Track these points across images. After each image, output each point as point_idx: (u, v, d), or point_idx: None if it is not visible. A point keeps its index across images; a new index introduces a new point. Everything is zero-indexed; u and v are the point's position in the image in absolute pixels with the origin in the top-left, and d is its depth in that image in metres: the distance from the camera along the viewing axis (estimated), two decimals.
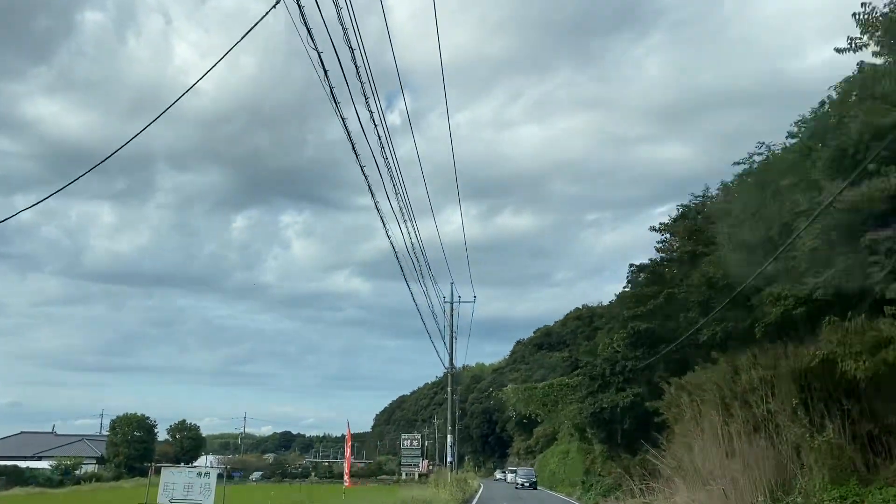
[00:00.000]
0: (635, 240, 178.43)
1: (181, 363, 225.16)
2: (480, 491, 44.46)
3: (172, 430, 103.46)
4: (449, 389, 36.05)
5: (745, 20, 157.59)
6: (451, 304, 36.88)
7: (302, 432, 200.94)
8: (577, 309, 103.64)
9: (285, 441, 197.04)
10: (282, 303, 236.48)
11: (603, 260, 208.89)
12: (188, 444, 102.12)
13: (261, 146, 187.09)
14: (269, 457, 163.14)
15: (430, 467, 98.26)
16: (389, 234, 17.74)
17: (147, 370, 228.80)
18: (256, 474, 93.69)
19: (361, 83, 11.19)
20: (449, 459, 35.79)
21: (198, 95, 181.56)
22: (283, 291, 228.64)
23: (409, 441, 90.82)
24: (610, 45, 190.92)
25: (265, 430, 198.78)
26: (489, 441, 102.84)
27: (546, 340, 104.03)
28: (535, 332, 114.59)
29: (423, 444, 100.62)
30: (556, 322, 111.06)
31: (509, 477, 65.83)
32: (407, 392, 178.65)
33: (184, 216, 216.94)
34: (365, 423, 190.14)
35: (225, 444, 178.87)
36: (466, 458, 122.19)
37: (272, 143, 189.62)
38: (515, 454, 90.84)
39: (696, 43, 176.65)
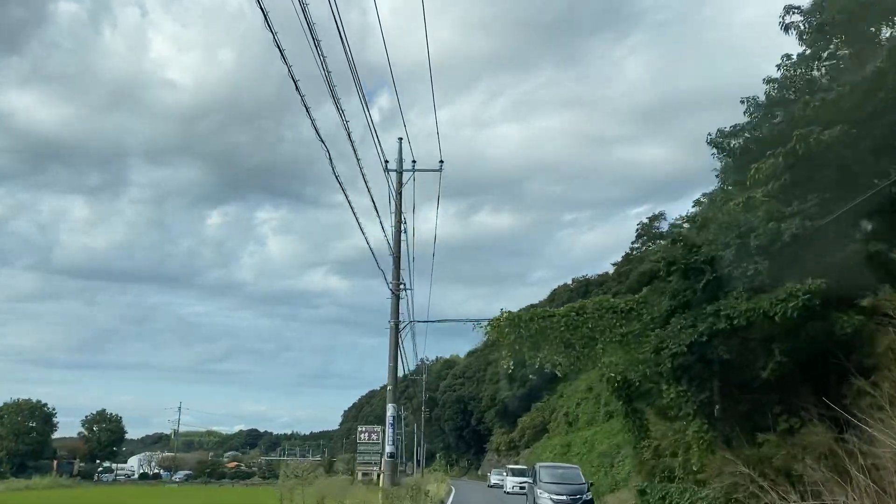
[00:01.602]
0: (612, 240, 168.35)
1: (155, 361, 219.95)
2: None
3: (88, 422, 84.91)
4: (393, 323, 19.07)
5: (724, 23, 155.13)
6: (400, 172, 19.96)
7: (270, 430, 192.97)
8: (566, 284, 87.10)
9: (252, 439, 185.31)
10: (258, 300, 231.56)
11: (579, 260, 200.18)
12: (106, 437, 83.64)
13: (238, 142, 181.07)
14: (231, 455, 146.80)
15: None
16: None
17: (120, 367, 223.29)
18: (181, 474, 75.76)
19: (328, 71, 10.33)
20: (388, 449, 18.81)
21: (175, 90, 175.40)
22: (259, 289, 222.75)
23: (366, 434, 72.99)
24: (591, 46, 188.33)
25: (233, 429, 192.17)
26: (464, 435, 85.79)
27: None
28: None
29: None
30: (541, 300, 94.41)
31: (511, 484, 38.98)
32: (377, 387, 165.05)
33: (159, 212, 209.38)
34: (334, 421, 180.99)
35: (189, 443, 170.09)
36: (438, 455, 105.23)
37: (250, 138, 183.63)
38: (495, 450, 73.95)
39: (675, 44, 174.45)
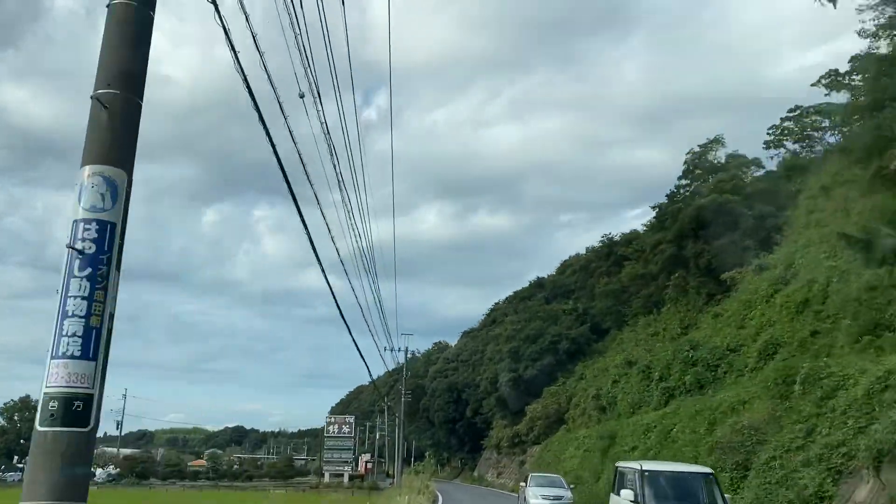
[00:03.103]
0: None
1: (147, 358, 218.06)
2: None
3: (7, 411, 69.58)
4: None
5: (724, 26, 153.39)
6: None
7: (256, 428, 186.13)
8: (578, 256, 71.58)
9: (238, 436, 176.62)
10: (252, 299, 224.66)
11: None
12: (28, 429, 67.84)
13: (234, 139, 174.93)
14: (210, 452, 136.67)
15: (369, 465, 65.89)
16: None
17: (112, 365, 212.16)
18: (105, 473, 60.43)
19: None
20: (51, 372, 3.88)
21: (171, 86, 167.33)
22: (253, 288, 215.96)
23: (334, 426, 58.20)
24: (590, 47, 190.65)
25: (220, 426, 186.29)
26: (457, 429, 70.63)
27: (538, 293, 72.02)
28: (515, 292, 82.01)
29: (357, 432, 68.52)
30: (549, 275, 79.14)
31: None
32: (365, 382, 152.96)
33: (153, 209, 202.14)
34: (321, 419, 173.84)
35: (173, 440, 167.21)
36: (427, 453, 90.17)
37: (246, 136, 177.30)
38: (494, 446, 58.91)
39: (675, 47, 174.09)
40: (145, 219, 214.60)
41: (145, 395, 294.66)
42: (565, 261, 75.22)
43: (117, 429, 78.91)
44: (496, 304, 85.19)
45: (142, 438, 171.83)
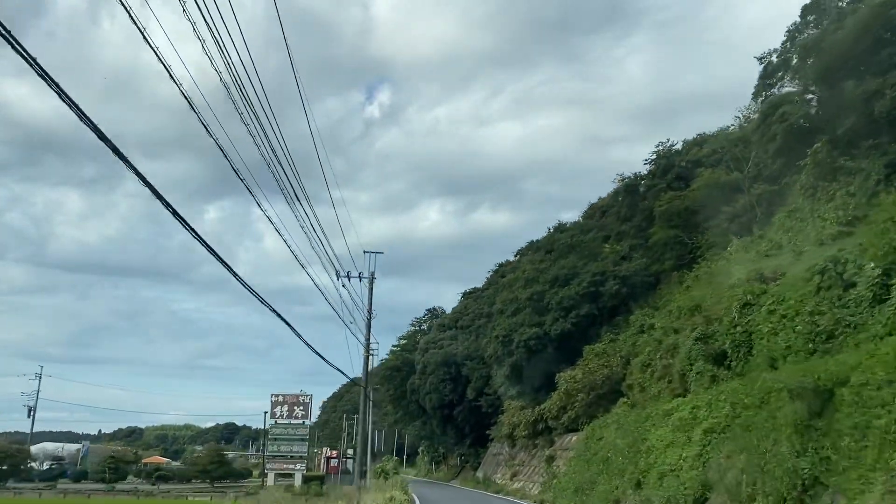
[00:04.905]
0: None
1: (147, 356, 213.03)
2: None
3: None
4: None
5: (727, 23, 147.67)
6: None
7: (248, 424, 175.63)
8: (622, 180, 53.81)
9: (228, 434, 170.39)
10: (252, 297, 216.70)
11: None
12: None
13: (236, 136, 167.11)
14: (191, 449, 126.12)
15: (332, 460, 48.56)
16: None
17: (112, 362, 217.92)
18: None
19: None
20: None
21: (172, 83, 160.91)
22: (253, 285, 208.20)
23: (283, 407, 40.81)
24: (592, 44, 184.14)
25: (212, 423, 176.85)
26: (454, 416, 53.28)
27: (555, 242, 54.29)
28: (530, 242, 63.96)
29: (345, 426, 51.32)
30: (571, 223, 61.39)
31: None
32: (359, 374, 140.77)
33: (154, 206, 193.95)
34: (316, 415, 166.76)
35: (163, 437, 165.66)
36: (421, 448, 73.05)
37: (247, 133, 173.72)
38: (506, 435, 41.43)
39: (678, 44, 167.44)
40: (146, 217, 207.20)
41: (143, 391, 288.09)
42: (594, 203, 57.79)
43: (28, 416, 61.65)
44: (506, 261, 67.60)
45: (130, 435, 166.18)
